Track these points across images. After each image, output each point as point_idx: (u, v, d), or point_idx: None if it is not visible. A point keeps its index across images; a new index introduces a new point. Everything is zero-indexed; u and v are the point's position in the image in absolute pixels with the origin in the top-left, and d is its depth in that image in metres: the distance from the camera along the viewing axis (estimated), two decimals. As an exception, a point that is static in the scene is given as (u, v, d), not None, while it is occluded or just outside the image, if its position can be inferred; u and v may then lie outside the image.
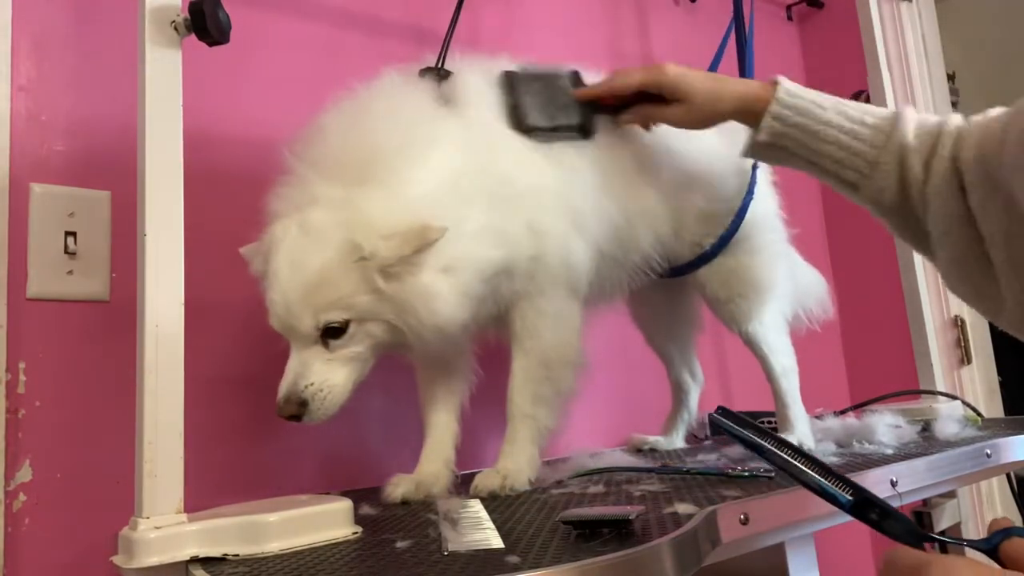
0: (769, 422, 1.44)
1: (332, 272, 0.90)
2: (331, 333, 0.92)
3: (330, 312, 0.91)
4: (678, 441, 1.50)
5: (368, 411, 1.30)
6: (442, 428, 1.13)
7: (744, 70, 1.50)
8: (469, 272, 0.97)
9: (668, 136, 1.28)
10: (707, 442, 1.57)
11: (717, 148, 1.33)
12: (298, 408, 0.91)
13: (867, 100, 1.69)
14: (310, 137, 1.00)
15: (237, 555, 0.74)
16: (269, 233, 0.96)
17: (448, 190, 0.97)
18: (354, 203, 0.92)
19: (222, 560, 0.74)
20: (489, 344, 1.19)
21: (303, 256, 0.91)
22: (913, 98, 2.05)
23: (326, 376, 0.92)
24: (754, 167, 1.32)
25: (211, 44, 0.82)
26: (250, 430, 1.16)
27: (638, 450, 1.44)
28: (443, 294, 0.94)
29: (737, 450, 1.28)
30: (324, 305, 0.90)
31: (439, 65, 1.12)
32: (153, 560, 0.72)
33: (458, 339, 1.00)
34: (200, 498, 0.89)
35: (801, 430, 1.27)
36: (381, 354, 0.98)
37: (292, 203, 0.96)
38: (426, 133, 1.01)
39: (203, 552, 0.74)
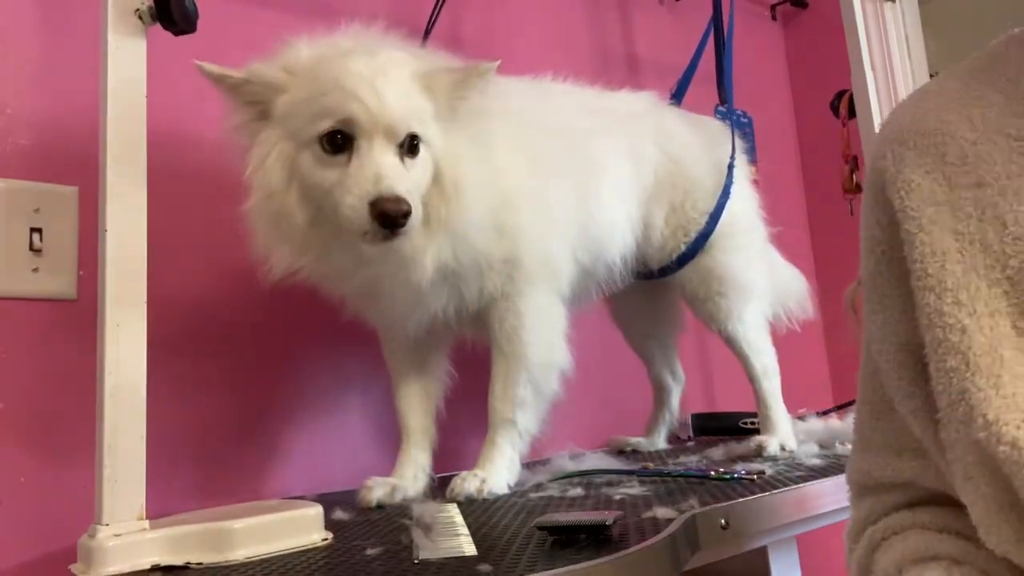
0: (751, 423, 1.43)
1: (416, 87, 0.92)
2: (412, 147, 0.90)
3: (418, 118, 0.90)
4: (660, 442, 1.49)
5: (348, 411, 1.28)
6: (419, 431, 1.10)
7: (722, 70, 1.50)
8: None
9: (646, 138, 1.27)
10: (689, 443, 1.55)
11: (694, 149, 1.32)
12: (408, 209, 0.84)
13: (850, 100, 1.69)
14: None
15: (200, 564, 0.72)
16: (321, 48, 0.94)
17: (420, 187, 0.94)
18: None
19: (184, 569, 0.71)
20: (466, 345, 1.17)
21: (388, 67, 0.90)
22: (896, 98, 2.05)
23: (412, 190, 0.88)
24: (730, 166, 1.31)
25: (177, 33, 0.79)
26: (223, 431, 1.13)
27: (620, 451, 1.43)
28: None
29: (719, 452, 1.27)
30: (416, 109, 0.90)
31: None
32: (112, 569, 0.69)
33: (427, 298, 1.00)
34: (172, 503, 0.86)
35: (783, 431, 1.26)
36: None
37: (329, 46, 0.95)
38: None
39: (165, 560, 0.71)
